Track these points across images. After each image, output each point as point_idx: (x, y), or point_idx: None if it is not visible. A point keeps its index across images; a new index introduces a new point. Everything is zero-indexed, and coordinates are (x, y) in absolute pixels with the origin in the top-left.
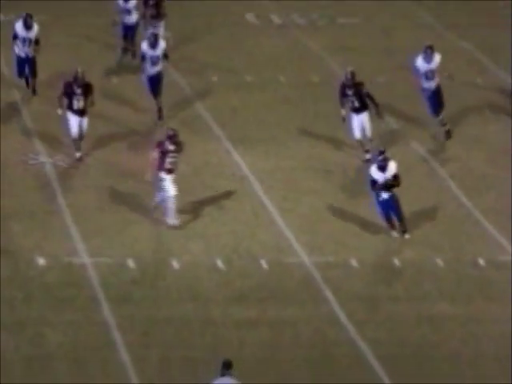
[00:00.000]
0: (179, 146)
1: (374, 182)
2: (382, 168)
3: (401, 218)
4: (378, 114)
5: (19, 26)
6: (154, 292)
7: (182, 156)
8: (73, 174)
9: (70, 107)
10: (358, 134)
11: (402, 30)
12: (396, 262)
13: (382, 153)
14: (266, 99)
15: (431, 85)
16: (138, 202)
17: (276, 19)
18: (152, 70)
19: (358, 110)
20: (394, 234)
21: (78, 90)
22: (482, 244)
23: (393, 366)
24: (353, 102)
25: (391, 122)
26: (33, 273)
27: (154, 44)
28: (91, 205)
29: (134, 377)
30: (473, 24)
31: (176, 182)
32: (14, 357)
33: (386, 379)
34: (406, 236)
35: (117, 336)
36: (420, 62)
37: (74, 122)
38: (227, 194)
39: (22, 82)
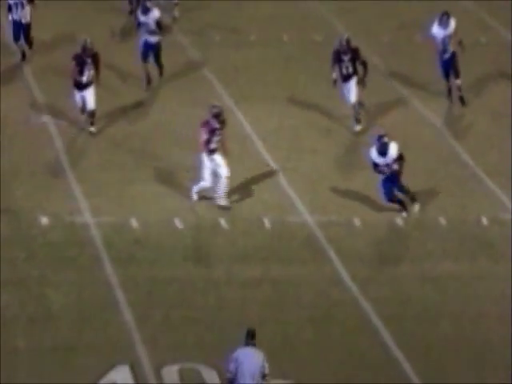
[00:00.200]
0: (224, 124)
1: (375, 165)
2: (383, 153)
3: (406, 191)
4: (362, 81)
5: None
6: (157, 252)
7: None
8: (75, 133)
9: (77, 80)
10: (352, 98)
11: None
12: (399, 221)
13: (381, 137)
14: (268, 58)
15: (448, 51)
16: (142, 162)
17: None
18: (148, 38)
19: (347, 78)
20: (404, 214)
21: (89, 60)
22: (485, 203)
23: (396, 326)
24: (347, 68)
25: (395, 82)
26: (35, 232)
27: (145, 10)
28: (94, 164)
29: (136, 336)
30: None
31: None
32: (17, 316)
33: (388, 339)
34: (416, 206)
35: (120, 295)
36: (436, 29)
37: (79, 96)
38: (230, 154)
39: (21, 44)
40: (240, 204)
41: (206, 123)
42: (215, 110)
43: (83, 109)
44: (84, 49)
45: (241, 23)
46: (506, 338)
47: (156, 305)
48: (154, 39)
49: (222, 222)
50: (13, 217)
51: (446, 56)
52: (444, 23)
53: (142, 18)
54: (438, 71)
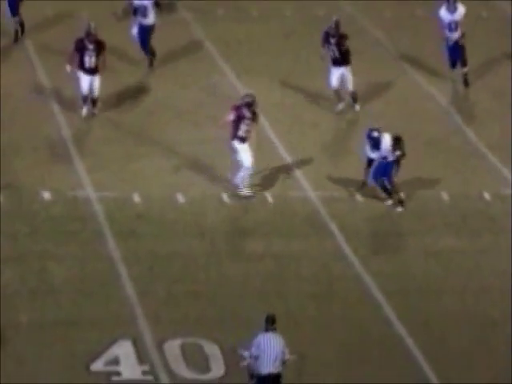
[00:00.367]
0: (255, 115)
1: (370, 161)
2: (376, 146)
3: (392, 189)
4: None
5: None
6: (159, 226)
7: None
8: (78, 107)
9: (82, 65)
10: (335, 83)
11: None
12: (401, 195)
13: (371, 132)
14: (270, 33)
15: (454, 36)
16: (144, 137)
17: None
18: (143, 21)
19: (337, 63)
20: (389, 202)
21: (91, 46)
22: (487, 178)
23: (398, 300)
24: (333, 52)
25: (398, 56)
26: (37, 207)
27: None
28: (96, 139)
29: (139, 310)
30: None
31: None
32: (19, 291)
33: (391, 313)
34: (399, 209)
35: (122, 270)
36: (443, 13)
37: (85, 80)
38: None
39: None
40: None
41: (236, 108)
42: (248, 99)
43: (85, 98)
44: (87, 34)
45: None
46: (508, 312)
47: (158, 279)
48: (147, 21)
49: (224, 196)
50: (15, 192)
51: (452, 40)
52: (452, 8)
53: (137, 2)
54: (444, 57)
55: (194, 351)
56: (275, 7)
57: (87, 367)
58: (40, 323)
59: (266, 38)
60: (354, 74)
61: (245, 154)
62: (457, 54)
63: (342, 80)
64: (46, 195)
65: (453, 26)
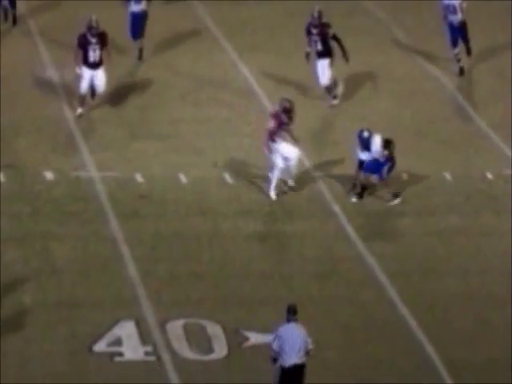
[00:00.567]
0: (292, 120)
1: (361, 164)
2: (366, 147)
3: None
4: (344, 56)
5: None
6: (161, 207)
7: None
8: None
9: (85, 60)
10: (323, 80)
11: None
12: (404, 176)
13: (361, 132)
14: (273, 13)
15: (455, 18)
16: (146, 117)
17: None
18: (135, 7)
19: (320, 55)
20: (354, 199)
21: (93, 40)
22: (489, 158)
23: (400, 281)
24: (316, 43)
25: (399, 35)
26: (40, 187)
27: None
28: (99, 119)
29: (141, 291)
30: None
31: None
32: (23, 271)
33: (394, 295)
34: (396, 200)
35: (124, 250)
36: None
37: (86, 79)
38: (233, 107)
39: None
40: (245, 158)
41: (275, 115)
42: (286, 105)
43: (83, 98)
44: (89, 28)
45: None
46: (510, 293)
47: (160, 260)
48: (138, 8)
49: (227, 176)
50: (17, 172)
51: (453, 24)
52: None
53: None
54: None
55: (196, 332)
56: None
57: (90, 348)
58: (43, 304)
59: (269, 19)
60: (357, 53)
61: (281, 155)
62: (457, 33)
63: (321, 71)
64: (49, 175)
65: (451, 9)
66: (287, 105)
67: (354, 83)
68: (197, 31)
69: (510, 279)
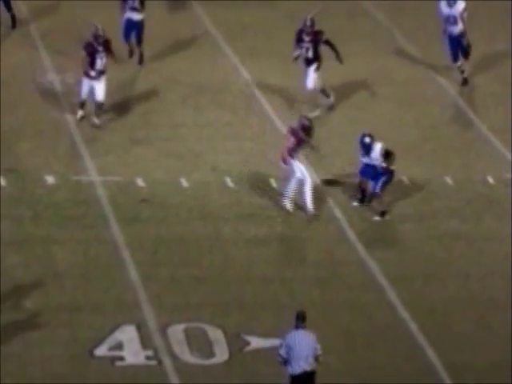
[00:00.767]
0: (310, 137)
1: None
2: (367, 153)
3: (379, 198)
4: (338, 59)
5: None
6: (162, 211)
7: None
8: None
9: (93, 67)
10: (309, 85)
11: None
12: (405, 179)
13: (363, 137)
14: (274, 17)
15: (454, 29)
16: (147, 121)
17: None
18: (131, 15)
19: (307, 62)
20: (355, 203)
21: (100, 48)
22: (490, 162)
23: (401, 285)
24: (307, 50)
25: (399, 39)
26: (41, 191)
27: None
28: (100, 123)
29: (142, 295)
30: None
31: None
32: (24, 275)
33: (395, 298)
34: (377, 218)
35: (126, 255)
36: (443, 6)
37: (86, 84)
38: (234, 111)
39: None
40: (246, 162)
41: (294, 132)
42: (305, 123)
43: (83, 102)
44: (95, 37)
45: None
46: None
47: (161, 264)
48: (136, 17)
49: (228, 180)
50: (18, 176)
51: (452, 35)
52: (451, 2)
53: None
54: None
55: (197, 336)
56: None
57: (91, 352)
58: (44, 308)
59: (270, 22)
60: (358, 57)
61: (302, 169)
62: (457, 45)
63: (309, 76)
64: (50, 180)
65: (451, 20)
66: (306, 123)
67: (355, 87)
68: (197, 35)
69: (511, 283)
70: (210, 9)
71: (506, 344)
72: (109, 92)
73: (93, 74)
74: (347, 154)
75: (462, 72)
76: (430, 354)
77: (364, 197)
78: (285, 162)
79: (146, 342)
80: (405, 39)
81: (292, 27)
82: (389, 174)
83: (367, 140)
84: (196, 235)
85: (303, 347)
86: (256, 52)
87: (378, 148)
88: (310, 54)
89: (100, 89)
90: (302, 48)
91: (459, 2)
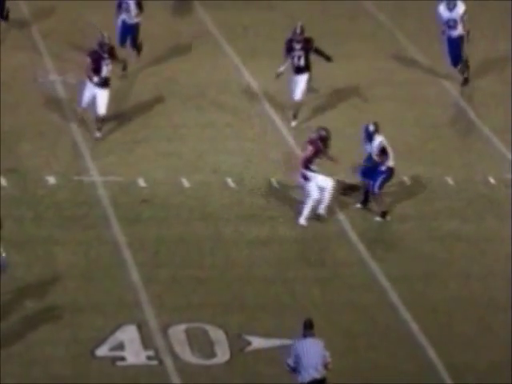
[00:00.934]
0: (328, 148)
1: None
2: (369, 140)
3: (377, 200)
4: (328, 61)
5: None
6: (164, 211)
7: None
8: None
9: (98, 74)
10: (297, 96)
11: None
12: (406, 180)
13: (369, 125)
14: (275, 19)
15: (453, 33)
16: (149, 121)
17: None
18: (127, 18)
19: (301, 70)
20: (357, 205)
21: (106, 55)
22: (492, 162)
23: (402, 285)
24: (299, 58)
25: (401, 39)
26: (42, 192)
27: None
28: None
29: (143, 295)
30: None
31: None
32: (25, 275)
33: (395, 298)
34: (378, 218)
35: (127, 255)
36: (442, 9)
37: (89, 93)
38: (236, 111)
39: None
40: (247, 163)
41: (313, 142)
42: (323, 134)
43: (83, 108)
44: (101, 44)
45: None
46: None
47: (163, 264)
48: (132, 20)
49: (229, 180)
50: (19, 177)
51: (451, 39)
52: (451, 5)
53: None
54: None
55: (198, 336)
56: None
57: (92, 352)
58: (45, 308)
59: (271, 22)
60: (357, 57)
61: (315, 186)
62: (457, 48)
63: (295, 86)
64: (51, 180)
65: (451, 24)
66: (324, 133)
67: (357, 88)
68: (199, 36)
69: None
70: (211, 10)
71: (507, 344)
72: (110, 92)
73: (96, 79)
74: (349, 154)
75: (463, 72)
76: (431, 354)
77: (367, 199)
78: (302, 175)
79: (147, 342)
80: (406, 40)
81: (292, 28)
82: (388, 173)
83: (371, 128)
84: (197, 236)
85: (312, 355)
86: (257, 53)
87: (377, 140)
88: (302, 62)
89: (102, 100)
90: (293, 57)
91: (459, 6)
